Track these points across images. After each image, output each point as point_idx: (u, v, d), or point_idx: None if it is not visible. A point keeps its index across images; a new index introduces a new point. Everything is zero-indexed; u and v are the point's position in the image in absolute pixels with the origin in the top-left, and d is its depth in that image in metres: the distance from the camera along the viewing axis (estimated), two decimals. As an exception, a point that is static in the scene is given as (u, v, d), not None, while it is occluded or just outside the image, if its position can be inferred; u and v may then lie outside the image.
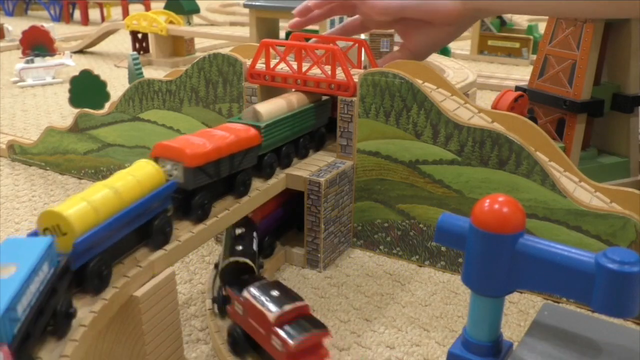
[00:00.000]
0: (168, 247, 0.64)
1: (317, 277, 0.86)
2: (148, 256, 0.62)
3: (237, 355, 0.65)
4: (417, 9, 0.92)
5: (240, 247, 0.75)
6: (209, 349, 0.70)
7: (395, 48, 1.45)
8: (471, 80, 1.36)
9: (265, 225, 0.86)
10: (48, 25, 2.32)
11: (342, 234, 0.91)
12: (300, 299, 0.61)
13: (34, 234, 0.54)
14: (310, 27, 1.10)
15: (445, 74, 1.41)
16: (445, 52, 2.08)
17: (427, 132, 0.84)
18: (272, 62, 0.93)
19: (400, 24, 0.97)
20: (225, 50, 0.98)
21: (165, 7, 2.52)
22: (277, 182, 0.84)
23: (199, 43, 2.63)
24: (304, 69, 0.91)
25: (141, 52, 2.47)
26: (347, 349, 0.71)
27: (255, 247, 0.77)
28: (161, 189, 0.63)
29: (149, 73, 2.16)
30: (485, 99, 1.89)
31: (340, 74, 0.89)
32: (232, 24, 3.66)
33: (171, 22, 2.39)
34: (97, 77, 1.69)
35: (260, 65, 0.94)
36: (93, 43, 2.69)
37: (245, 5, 2.24)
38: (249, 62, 0.95)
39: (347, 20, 1.06)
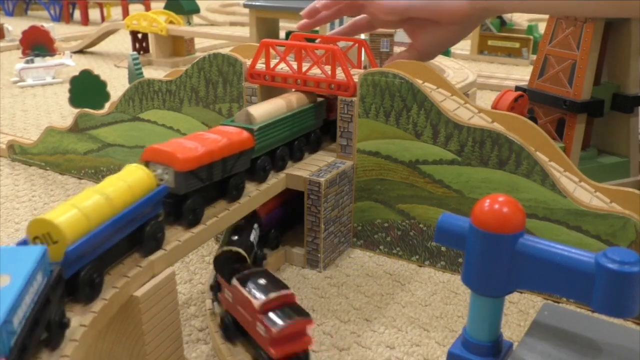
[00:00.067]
0: (168, 247, 0.64)
1: (317, 277, 0.86)
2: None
3: (229, 340, 0.67)
4: (423, 9, 0.92)
5: (236, 237, 0.77)
6: (209, 349, 0.70)
7: (396, 48, 1.45)
8: (471, 80, 1.36)
9: (271, 219, 0.87)
10: (48, 25, 2.32)
11: (342, 234, 0.91)
12: (286, 287, 0.63)
13: (24, 242, 0.53)
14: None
15: (445, 74, 1.41)
16: (445, 52, 2.08)
17: (427, 132, 0.84)
18: (272, 62, 0.93)
19: (407, 24, 0.97)
20: (225, 50, 0.98)
21: (165, 7, 2.52)
22: (277, 182, 0.84)
23: (199, 43, 2.63)
24: (304, 69, 0.91)
25: (141, 52, 2.47)
26: (347, 349, 0.71)
27: (253, 238, 0.78)
28: (152, 194, 0.62)
29: (149, 73, 2.16)
30: (485, 99, 1.89)
31: (340, 74, 0.89)
32: (232, 24, 3.66)
33: (171, 22, 2.39)
34: (97, 77, 1.69)
35: (260, 65, 0.94)
36: (93, 43, 2.69)
37: (245, 5, 2.24)
38: (249, 62, 0.95)
39: (354, 19, 1.06)
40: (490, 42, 2.58)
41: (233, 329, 0.66)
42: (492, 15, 1.09)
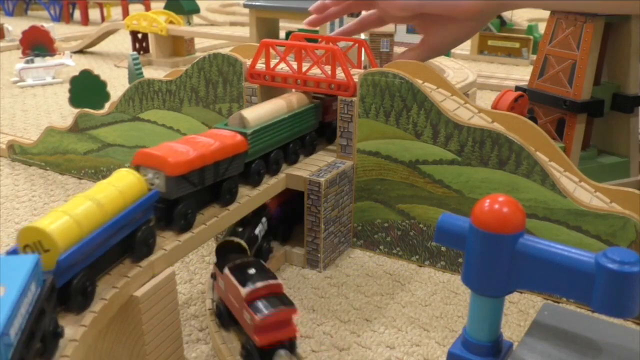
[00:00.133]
0: (168, 247, 0.64)
1: (317, 277, 0.86)
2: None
3: (222, 327, 0.68)
4: (436, 5, 0.91)
5: (240, 229, 0.78)
6: (209, 349, 0.70)
7: (396, 48, 1.45)
8: (471, 80, 1.36)
9: (281, 212, 0.88)
10: (48, 25, 2.31)
11: (342, 234, 0.91)
12: (274, 277, 0.64)
13: (14, 251, 0.52)
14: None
15: (445, 74, 1.41)
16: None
17: (427, 132, 0.84)
18: (272, 62, 0.93)
19: (419, 19, 0.96)
20: (225, 50, 0.98)
21: (165, 7, 2.52)
22: (277, 182, 0.84)
23: (199, 43, 2.63)
24: (304, 69, 0.91)
25: (141, 52, 2.47)
26: (347, 349, 0.71)
27: (258, 231, 0.79)
28: (143, 199, 0.61)
29: (149, 73, 2.16)
30: (485, 99, 1.89)
31: (340, 74, 0.89)
32: (232, 24, 3.66)
33: (171, 22, 2.39)
34: (97, 77, 1.69)
35: (260, 65, 0.94)
36: (93, 43, 2.69)
37: (245, 5, 2.24)
38: (249, 62, 0.95)
39: (364, 14, 1.05)
40: (490, 42, 2.58)
41: (226, 316, 0.68)
42: (506, 10, 1.10)
